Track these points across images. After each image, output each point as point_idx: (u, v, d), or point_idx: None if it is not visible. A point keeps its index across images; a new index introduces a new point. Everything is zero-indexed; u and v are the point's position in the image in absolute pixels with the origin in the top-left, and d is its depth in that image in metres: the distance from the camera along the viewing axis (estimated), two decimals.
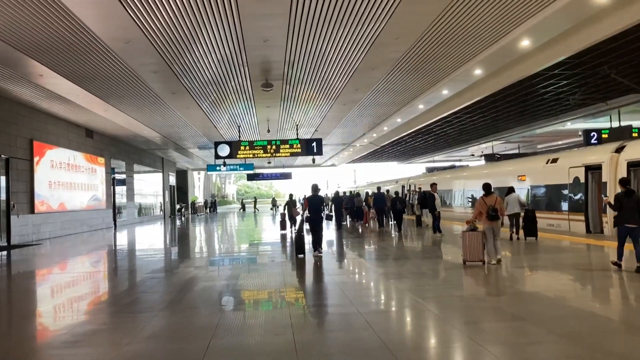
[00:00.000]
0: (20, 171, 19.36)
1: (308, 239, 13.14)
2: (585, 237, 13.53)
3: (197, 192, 69.39)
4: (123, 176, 32.08)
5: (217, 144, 24.12)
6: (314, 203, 12.49)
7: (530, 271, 9.85)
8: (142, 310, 7.47)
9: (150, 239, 22.20)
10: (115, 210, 29.86)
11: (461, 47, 13.82)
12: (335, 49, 13.73)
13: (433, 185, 15.95)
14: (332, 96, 19.79)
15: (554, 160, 15.80)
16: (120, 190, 31.77)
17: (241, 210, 56.26)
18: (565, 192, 15.00)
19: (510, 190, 13.78)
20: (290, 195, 21.87)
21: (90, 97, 18.33)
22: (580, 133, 33.68)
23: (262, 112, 22.81)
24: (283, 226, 21.19)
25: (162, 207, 42.42)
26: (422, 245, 14.68)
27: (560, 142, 40.31)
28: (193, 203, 53.80)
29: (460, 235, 10.52)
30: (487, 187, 10.36)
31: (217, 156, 24.21)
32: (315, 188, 12.76)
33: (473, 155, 50.93)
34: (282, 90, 18.29)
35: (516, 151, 41.07)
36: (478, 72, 16.17)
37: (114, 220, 29.51)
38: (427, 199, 27.09)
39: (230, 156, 24.10)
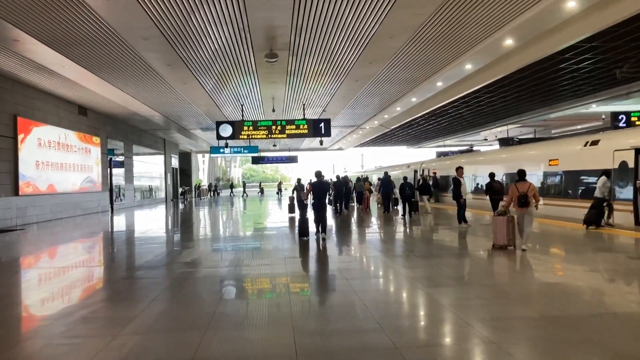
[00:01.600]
0: (1, 150, 17.79)
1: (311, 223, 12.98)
2: (635, 229, 11.85)
3: (202, 175, 67.87)
4: (121, 157, 30.52)
5: (218, 124, 22.50)
6: (318, 189, 12.66)
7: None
8: (130, 300, 6.85)
9: (146, 224, 20.66)
10: (112, 192, 28.33)
11: (493, 10, 12.02)
12: (348, 11, 11.97)
13: (459, 169, 14.09)
14: (343, 71, 18.04)
15: (594, 143, 13.98)
16: (118, 172, 30.24)
17: (244, 195, 54.58)
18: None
19: (605, 173, 12.29)
20: (299, 180, 21.32)
21: (78, 69, 16.68)
22: (604, 116, 32.07)
23: (266, 88, 21.09)
24: (291, 209, 21.13)
25: (165, 190, 40.93)
26: (444, 236, 13.08)
27: (579, 127, 38.30)
28: (198, 186, 52.25)
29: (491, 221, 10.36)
30: (521, 173, 10.03)
31: (218, 136, 22.59)
32: (319, 174, 13.00)
33: (486, 139, 49.12)
34: (288, 62, 16.55)
35: (531, 136, 39.29)
36: (509, 42, 14.36)
37: (111, 203, 28.01)
38: (437, 184, 25.46)
39: (232, 137, 22.46)
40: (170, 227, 19.11)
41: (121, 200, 30.50)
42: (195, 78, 18.50)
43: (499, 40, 14.23)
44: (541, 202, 11.05)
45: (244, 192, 54.82)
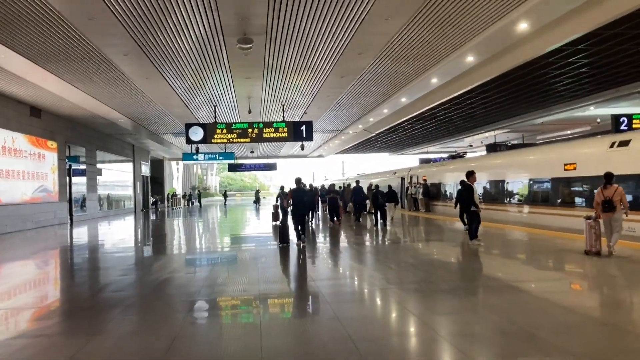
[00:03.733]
0: None
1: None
2: None
3: (176, 184, 65.03)
4: (82, 165, 27.89)
5: (188, 126, 20.20)
6: (298, 196, 12.85)
7: None
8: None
9: (106, 237, 18.23)
10: (72, 203, 25.70)
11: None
12: None
13: (471, 174, 11.66)
14: (328, 64, 15.92)
15: (624, 143, 12.02)
16: (80, 180, 27.63)
17: (225, 203, 51.90)
18: None
19: None
20: (282, 188, 21.31)
21: (20, 61, 14.30)
22: (599, 120, 30.57)
23: (241, 85, 18.86)
24: (275, 217, 20.47)
25: (134, 200, 38.27)
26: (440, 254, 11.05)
27: (568, 132, 36.85)
28: (173, 195, 49.48)
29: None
30: (608, 176, 9.54)
31: (188, 140, 20.28)
32: (298, 181, 13.24)
33: (471, 145, 47.68)
34: (265, 52, 14.34)
35: (518, 141, 37.85)
36: (520, 29, 12.43)
37: (70, 214, 25.38)
38: (394, 194, 23.48)
39: (204, 141, 20.16)
40: (132, 241, 16.67)
41: (84, 211, 27.89)
42: (159, 71, 16.20)
43: (509, 26, 12.27)
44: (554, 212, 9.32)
45: (225, 201, 52.50)
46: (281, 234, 12.57)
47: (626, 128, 21.10)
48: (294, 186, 13.28)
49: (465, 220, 12.96)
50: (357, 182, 22.12)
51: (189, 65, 15.53)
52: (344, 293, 7.57)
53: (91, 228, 22.62)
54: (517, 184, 17.46)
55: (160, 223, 26.04)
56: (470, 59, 15.18)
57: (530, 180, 16.43)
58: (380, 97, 21.65)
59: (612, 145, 12.37)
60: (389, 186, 20.49)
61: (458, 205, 13.85)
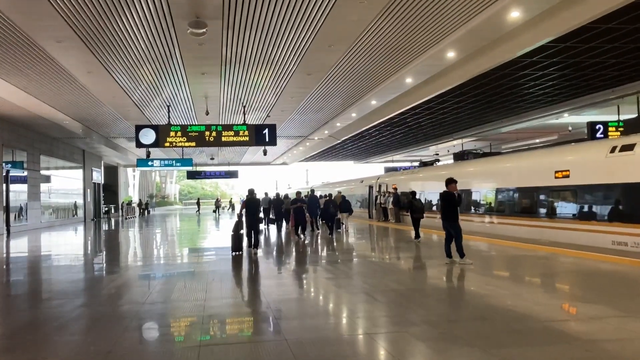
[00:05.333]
0: None
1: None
2: None
3: (132, 192, 62.09)
4: (22, 171, 25.40)
5: (138, 128, 18.27)
6: (250, 206, 13.40)
7: None
8: None
9: (45, 248, 16.13)
10: (8, 212, 23.22)
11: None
12: None
13: (451, 182, 9.93)
14: (293, 58, 14.33)
15: (627, 148, 10.73)
16: (20, 187, 25.15)
17: (197, 212, 48.62)
18: None
19: None
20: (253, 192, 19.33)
21: None
22: (570, 128, 29.96)
23: (197, 83, 17.08)
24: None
25: (84, 209, 35.64)
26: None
27: (537, 140, 36.28)
28: (129, 203, 46.70)
29: None
30: None
31: (138, 144, 18.36)
32: (251, 192, 13.88)
33: (437, 154, 46.93)
34: (222, 41, 12.58)
35: (487, 150, 37.14)
36: (485, 39, 11.17)
37: (7, 224, 22.90)
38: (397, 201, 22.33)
39: (156, 144, 18.25)
40: (71, 252, 14.58)
41: (25, 221, 25.39)
42: (101, 64, 14.27)
43: (492, 19, 10.96)
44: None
45: (198, 209, 49.38)
46: (233, 242, 12.84)
47: (602, 135, 20.38)
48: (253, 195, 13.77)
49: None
50: (312, 190, 21.84)
51: (136, 55, 13.66)
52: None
53: (29, 240, 20.31)
54: (495, 193, 16.18)
55: (108, 234, 23.85)
56: (450, 54, 13.84)
57: (515, 189, 15.13)
58: (349, 99, 20.18)
59: (612, 150, 11.10)
60: (343, 196, 20.30)
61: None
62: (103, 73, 15.20)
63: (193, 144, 18.53)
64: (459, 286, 8.41)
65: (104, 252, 15.75)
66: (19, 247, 17.91)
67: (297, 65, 14.91)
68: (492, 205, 16.39)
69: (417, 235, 14.64)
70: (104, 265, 12.69)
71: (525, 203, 14.56)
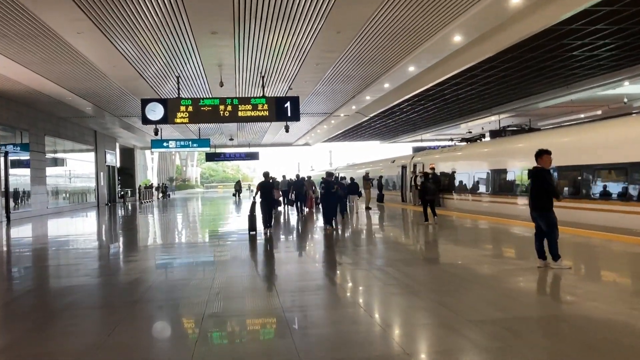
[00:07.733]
0: None
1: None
2: None
3: (151, 175, 60.40)
4: (23, 153, 23.44)
5: (145, 102, 16.15)
6: (265, 188, 13.79)
7: None
8: None
9: (50, 236, 14.18)
10: (8, 197, 21.28)
11: None
12: None
13: (542, 154, 7.04)
14: (320, 13, 11.80)
15: None
16: (23, 171, 23.24)
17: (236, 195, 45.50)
18: None
19: None
20: (283, 177, 22.50)
21: None
22: (626, 100, 26.83)
23: (208, 47, 14.67)
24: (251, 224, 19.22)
25: (96, 193, 33.82)
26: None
27: (582, 115, 33.07)
28: (147, 187, 44.79)
29: None
30: None
31: (145, 120, 16.32)
32: (266, 175, 14.18)
33: (470, 132, 43.90)
34: None
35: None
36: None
37: (7, 210, 20.99)
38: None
39: (165, 120, 16.13)
40: (75, 241, 12.46)
41: (29, 206, 23.52)
42: (93, 23, 11.92)
43: None
44: None
45: (237, 194, 44.34)
46: (249, 222, 13.28)
47: None
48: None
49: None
50: (298, 176, 22.66)
51: (133, 13, 11.27)
52: None
53: (26, 228, 18.38)
54: (560, 172, 13.39)
55: (124, 218, 21.88)
56: (515, 1, 11.14)
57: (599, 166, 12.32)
58: (383, 66, 17.51)
59: None
60: (351, 178, 20.21)
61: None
62: (96, 34, 12.84)
63: (207, 118, 16.37)
64: (573, 309, 5.68)
65: (99, 244, 13.59)
66: (12, 235, 15.94)
67: (325, 20, 12.32)
68: (568, 187, 13.56)
69: (426, 219, 14.36)
70: (99, 264, 10.49)
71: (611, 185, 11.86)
